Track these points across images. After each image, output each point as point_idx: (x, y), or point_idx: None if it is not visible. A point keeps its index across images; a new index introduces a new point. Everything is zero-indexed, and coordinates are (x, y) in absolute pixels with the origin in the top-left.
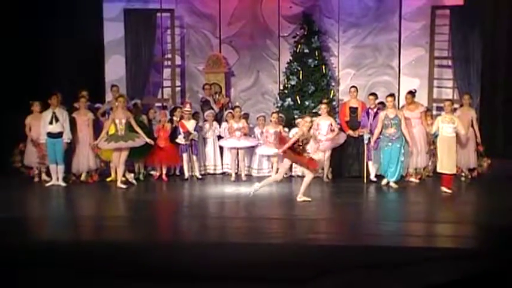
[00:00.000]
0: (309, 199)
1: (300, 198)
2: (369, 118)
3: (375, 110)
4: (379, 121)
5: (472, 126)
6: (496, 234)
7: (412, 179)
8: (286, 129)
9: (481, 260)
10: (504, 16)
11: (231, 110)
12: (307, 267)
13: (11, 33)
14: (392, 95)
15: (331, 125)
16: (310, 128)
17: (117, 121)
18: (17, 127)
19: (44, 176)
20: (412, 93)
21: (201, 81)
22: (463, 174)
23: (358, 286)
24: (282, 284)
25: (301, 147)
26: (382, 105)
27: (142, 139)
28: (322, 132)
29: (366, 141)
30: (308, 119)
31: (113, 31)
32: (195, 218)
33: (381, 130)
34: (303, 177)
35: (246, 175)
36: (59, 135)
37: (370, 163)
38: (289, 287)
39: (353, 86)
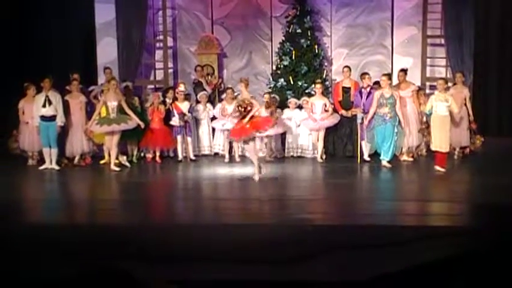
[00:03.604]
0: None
1: (256, 177)
2: (362, 98)
3: (368, 89)
4: (374, 100)
5: (465, 104)
6: (489, 212)
7: (406, 158)
8: (279, 110)
9: (474, 237)
10: None
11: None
12: (301, 247)
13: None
14: (388, 74)
15: (325, 105)
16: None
17: (108, 104)
18: (7, 110)
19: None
20: (404, 71)
21: (193, 63)
22: (455, 152)
23: (351, 265)
24: (276, 265)
25: (244, 111)
26: (377, 84)
27: (134, 121)
28: (316, 112)
29: (359, 121)
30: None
31: (105, 13)
32: (189, 199)
33: (376, 109)
34: (298, 157)
35: (239, 156)
36: (52, 118)
37: (363, 143)
38: (283, 267)
39: (346, 66)
